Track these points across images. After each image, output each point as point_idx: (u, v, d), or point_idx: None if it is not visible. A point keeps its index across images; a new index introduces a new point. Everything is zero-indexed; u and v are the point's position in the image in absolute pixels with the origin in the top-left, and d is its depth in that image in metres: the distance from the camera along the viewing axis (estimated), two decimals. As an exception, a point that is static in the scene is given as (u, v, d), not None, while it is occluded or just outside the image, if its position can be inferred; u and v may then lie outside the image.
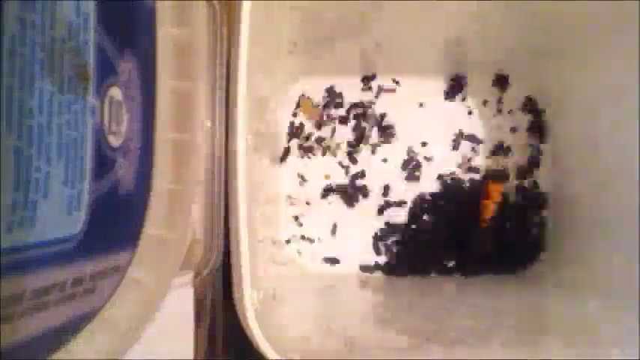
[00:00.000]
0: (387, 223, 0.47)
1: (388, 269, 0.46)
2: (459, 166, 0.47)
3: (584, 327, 0.34)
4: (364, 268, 0.46)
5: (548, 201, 0.47)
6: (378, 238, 0.46)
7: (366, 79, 0.47)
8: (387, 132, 0.47)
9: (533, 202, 0.47)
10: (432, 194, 0.47)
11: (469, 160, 0.47)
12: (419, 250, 0.46)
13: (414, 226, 0.46)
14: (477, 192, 0.46)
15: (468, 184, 0.47)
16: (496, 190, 0.46)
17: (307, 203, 0.46)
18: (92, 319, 0.23)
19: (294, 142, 0.47)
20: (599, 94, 0.40)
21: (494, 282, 0.45)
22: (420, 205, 0.47)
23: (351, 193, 0.47)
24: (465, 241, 0.46)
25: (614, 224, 0.38)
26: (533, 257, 0.46)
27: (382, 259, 0.46)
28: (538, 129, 0.47)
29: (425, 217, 0.47)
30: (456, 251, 0.46)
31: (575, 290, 0.40)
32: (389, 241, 0.46)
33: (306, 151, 0.47)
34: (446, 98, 0.48)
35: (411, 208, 0.47)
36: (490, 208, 0.46)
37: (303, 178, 0.47)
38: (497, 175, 0.47)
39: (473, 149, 0.47)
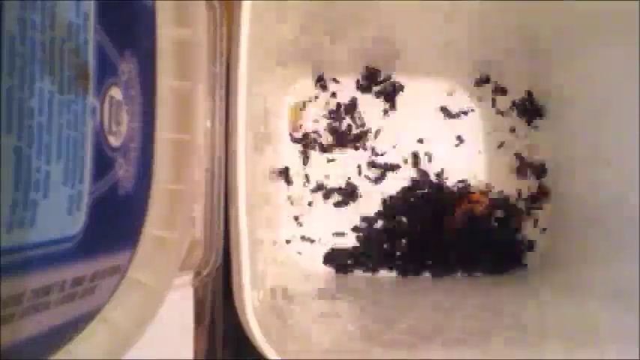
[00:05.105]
0: (384, 224, 0.47)
1: (385, 268, 0.46)
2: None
3: (583, 327, 0.34)
4: (354, 266, 0.46)
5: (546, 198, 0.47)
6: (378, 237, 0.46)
7: (366, 80, 0.47)
8: (385, 133, 0.47)
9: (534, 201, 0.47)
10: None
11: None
12: (415, 250, 0.46)
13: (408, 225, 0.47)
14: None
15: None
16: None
17: (308, 204, 0.46)
18: (92, 319, 0.23)
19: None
20: (599, 94, 0.40)
21: (494, 282, 0.45)
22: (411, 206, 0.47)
23: (347, 194, 0.47)
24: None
25: (613, 224, 0.38)
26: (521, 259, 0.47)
27: (380, 259, 0.46)
28: (537, 129, 0.47)
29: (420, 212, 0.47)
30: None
31: (575, 290, 0.40)
32: (388, 241, 0.46)
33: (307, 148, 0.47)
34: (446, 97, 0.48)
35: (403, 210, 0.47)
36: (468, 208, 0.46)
37: (304, 178, 0.47)
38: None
39: (478, 151, 0.48)
